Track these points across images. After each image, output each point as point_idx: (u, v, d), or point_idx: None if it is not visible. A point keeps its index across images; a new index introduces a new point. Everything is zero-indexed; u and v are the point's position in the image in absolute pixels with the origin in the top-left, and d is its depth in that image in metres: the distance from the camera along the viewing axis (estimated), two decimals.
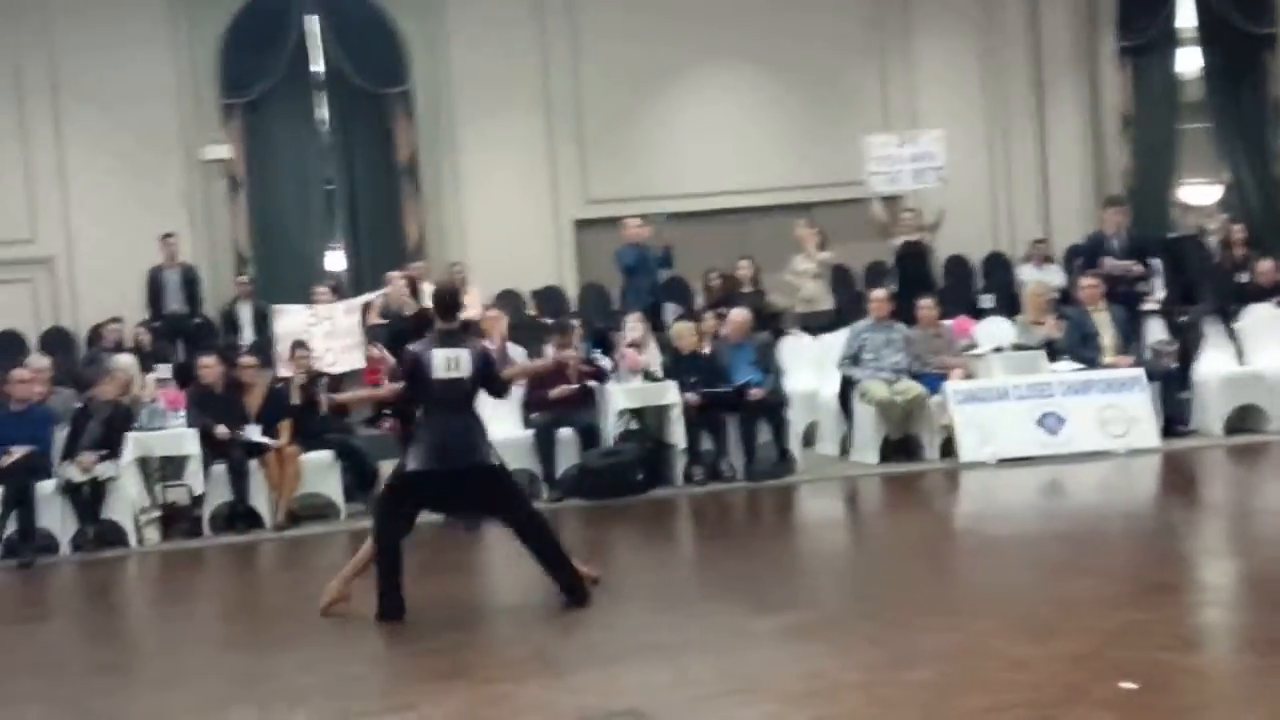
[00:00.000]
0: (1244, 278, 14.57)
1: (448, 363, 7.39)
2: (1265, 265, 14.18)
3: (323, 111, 16.57)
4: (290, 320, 12.35)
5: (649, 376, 11.59)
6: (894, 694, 5.70)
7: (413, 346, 7.57)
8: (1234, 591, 7.33)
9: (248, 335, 14.93)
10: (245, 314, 15.12)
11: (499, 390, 7.80)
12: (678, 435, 11.28)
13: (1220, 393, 12.06)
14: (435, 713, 5.83)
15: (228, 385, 11.15)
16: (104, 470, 10.47)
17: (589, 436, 11.20)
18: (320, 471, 11.04)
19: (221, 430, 10.75)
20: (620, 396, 11.45)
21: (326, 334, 12.10)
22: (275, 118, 16.35)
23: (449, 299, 7.62)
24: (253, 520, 10.78)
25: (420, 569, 8.24)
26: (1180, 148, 18.32)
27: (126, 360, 12.35)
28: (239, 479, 10.72)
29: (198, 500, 10.88)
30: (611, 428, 11.42)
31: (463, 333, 7.65)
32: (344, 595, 7.70)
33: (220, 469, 10.79)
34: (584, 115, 16.84)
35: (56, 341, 15.11)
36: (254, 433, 10.88)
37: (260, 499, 10.82)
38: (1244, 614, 6.81)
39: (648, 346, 12.20)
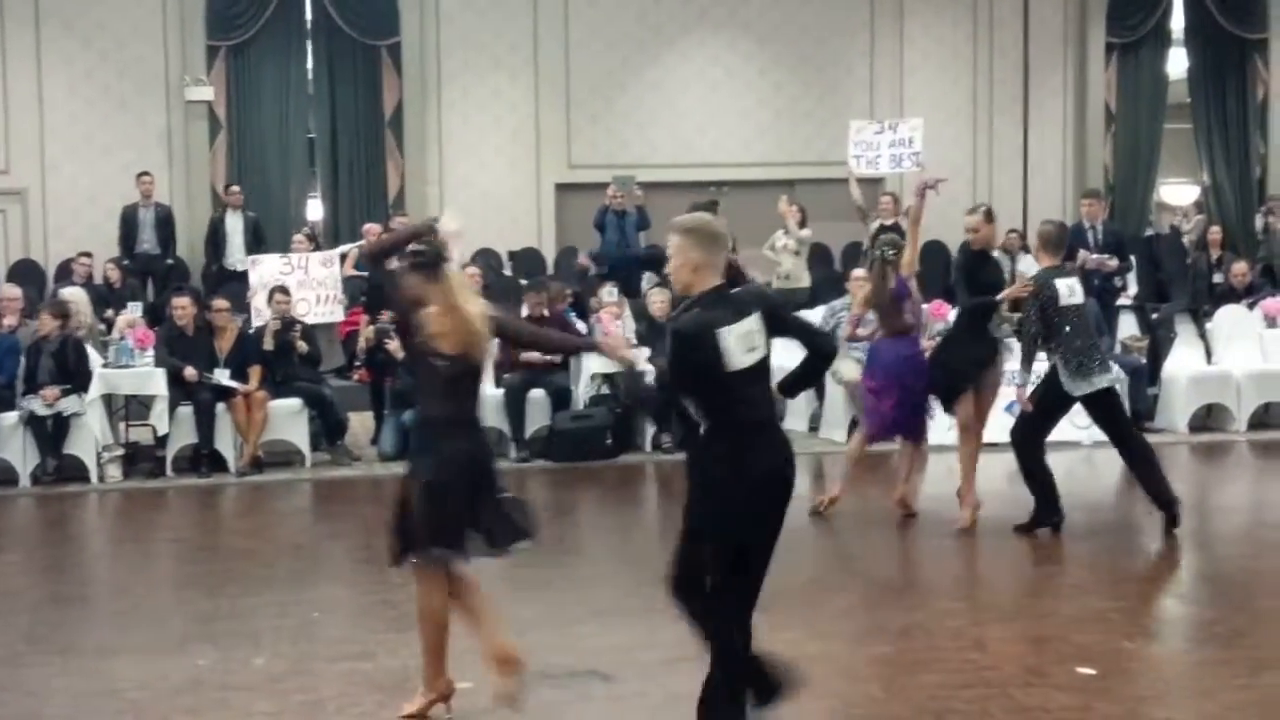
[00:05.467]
0: (1217, 278, 14.69)
1: None
2: (1238, 267, 14.33)
3: (309, 59, 16.40)
4: (264, 269, 12.24)
5: None
6: (855, 667, 5.74)
7: None
8: (1193, 585, 7.40)
9: (236, 244, 14.77)
10: (235, 224, 14.92)
11: None
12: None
13: (1187, 391, 12.14)
14: (393, 663, 5.82)
15: (198, 327, 11.05)
16: (68, 405, 10.38)
17: (560, 399, 11.17)
18: (288, 418, 10.96)
19: (190, 372, 10.65)
20: (593, 361, 11.41)
21: (299, 283, 11.97)
22: (261, 62, 16.19)
23: None
24: (217, 463, 10.71)
25: (384, 520, 8.20)
26: (1162, 146, 18.40)
27: (74, 292, 12.21)
28: (205, 421, 10.63)
29: (162, 440, 10.80)
30: (583, 391, 11.40)
31: None
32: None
33: (186, 410, 10.69)
34: (570, 79, 16.75)
35: (26, 274, 14.95)
36: (223, 376, 10.79)
37: (225, 442, 10.74)
38: (1203, 607, 6.88)
39: (622, 312, 12.17)
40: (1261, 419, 12.32)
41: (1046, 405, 8.19)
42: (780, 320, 4.73)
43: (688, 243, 4.63)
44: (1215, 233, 15.90)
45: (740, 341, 4.49)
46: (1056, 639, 6.00)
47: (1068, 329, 7.99)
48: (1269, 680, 5.42)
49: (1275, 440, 11.90)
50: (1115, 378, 8.28)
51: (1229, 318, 12.97)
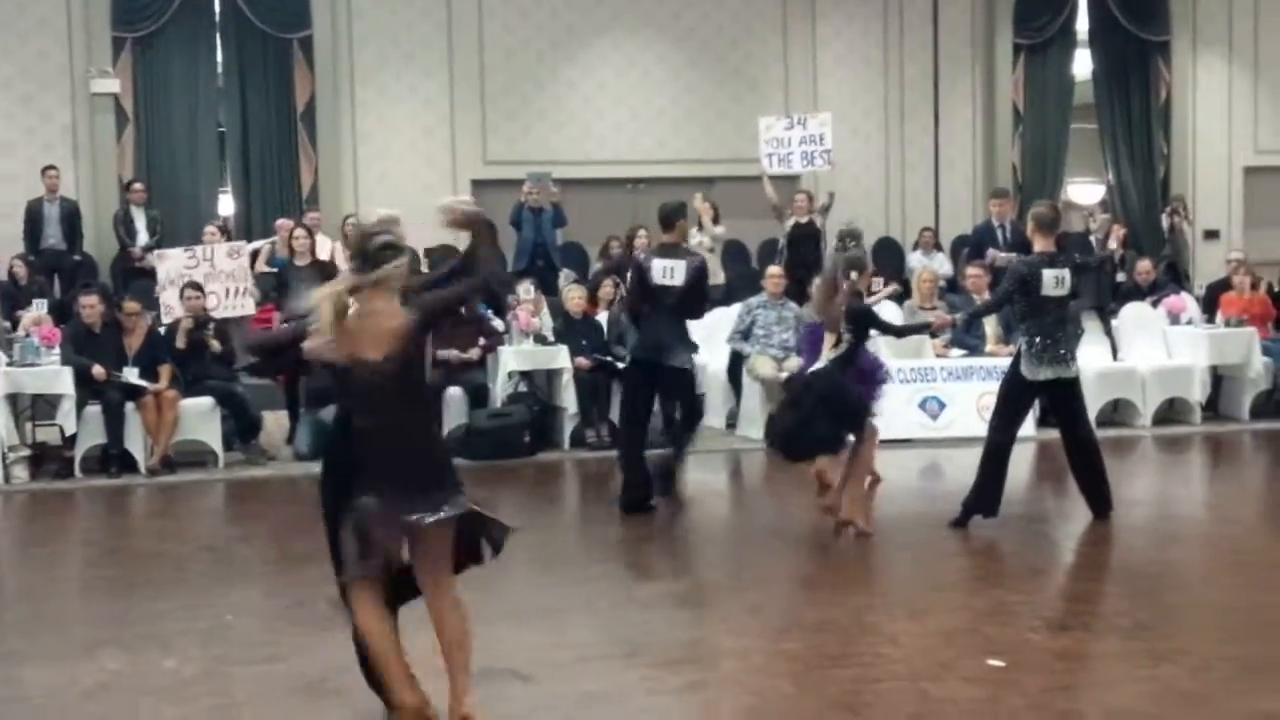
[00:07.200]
0: (1122, 276, 14.99)
1: (664, 271, 8.64)
2: (1143, 265, 14.65)
3: (219, 51, 16.16)
4: (169, 264, 12.02)
5: (540, 340, 11.56)
6: (768, 663, 5.79)
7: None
8: (1099, 578, 7.56)
9: (142, 238, 14.57)
10: (140, 219, 14.72)
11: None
12: (567, 399, 11.28)
13: (1094, 386, 12.32)
14: (305, 665, 5.78)
15: (106, 324, 10.85)
16: None
17: (478, 397, 11.14)
18: (200, 418, 10.81)
19: (99, 370, 10.45)
20: (511, 358, 11.40)
21: (206, 276, 11.75)
22: (169, 54, 15.91)
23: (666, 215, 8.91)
24: (127, 464, 10.53)
25: (299, 521, 8.13)
26: (1069, 146, 18.72)
27: None
28: (114, 421, 10.44)
29: (70, 440, 10.60)
30: (501, 389, 11.38)
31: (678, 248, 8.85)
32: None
33: (94, 410, 10.49)
34: (485, 75, 16.68)
35: None
36: (132, 374, 10.61)
37: (135, 443, 10.55)
38: (1110, 599, 7.03)
39: (540, 310, 12.16)
40: (1165, 414, 12.60)
41: (1011, 394, 8.25)
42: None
43: None
44: (1120, 231, 16.23)
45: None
46: (967, 632, 6.11)
47: (1046, 317, 8.02)
48: (1168, 672, 5.55)
49: (1179, 435, 12.19)
50: (1074, 371, 8.21)
51: (1134, 315, 13.26)
